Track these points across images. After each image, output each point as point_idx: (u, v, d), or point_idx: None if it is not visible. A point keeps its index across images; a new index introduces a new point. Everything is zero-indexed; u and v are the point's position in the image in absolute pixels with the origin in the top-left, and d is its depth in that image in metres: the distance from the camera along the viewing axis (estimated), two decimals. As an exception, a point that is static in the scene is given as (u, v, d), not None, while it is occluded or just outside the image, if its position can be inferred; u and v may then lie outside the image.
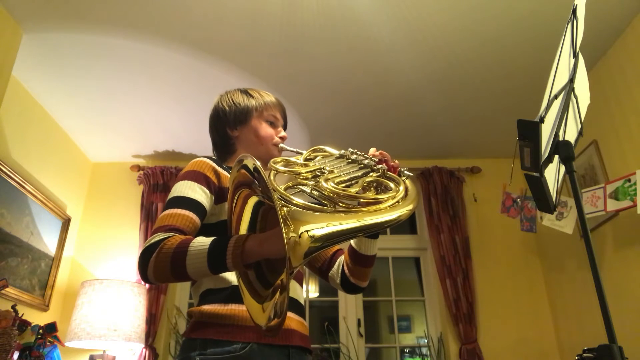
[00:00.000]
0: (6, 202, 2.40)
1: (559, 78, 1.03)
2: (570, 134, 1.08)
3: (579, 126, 1.16)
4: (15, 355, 2.17)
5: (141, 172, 3.26)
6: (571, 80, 1.08)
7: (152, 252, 0.96)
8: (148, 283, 0.99)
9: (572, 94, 1.08)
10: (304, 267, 1.39)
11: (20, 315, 2.25)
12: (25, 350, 2.25)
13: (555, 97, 1.01)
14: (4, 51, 2.15)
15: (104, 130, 3.05)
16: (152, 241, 0.98)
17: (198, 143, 3.19)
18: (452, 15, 2.17)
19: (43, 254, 2.72)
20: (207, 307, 1.07)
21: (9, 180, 2.42)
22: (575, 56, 1.12)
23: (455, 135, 3.17)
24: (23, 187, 2.52)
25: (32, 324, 2.36)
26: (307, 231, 0.80)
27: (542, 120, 0.94)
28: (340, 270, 1.30)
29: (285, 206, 0.84)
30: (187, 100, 2.77)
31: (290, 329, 1.11)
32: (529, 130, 0.94)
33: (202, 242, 0.94)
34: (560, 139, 1.00)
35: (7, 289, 2.26)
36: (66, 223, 2.96)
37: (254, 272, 0.94)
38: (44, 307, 2.70)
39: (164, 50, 2.37)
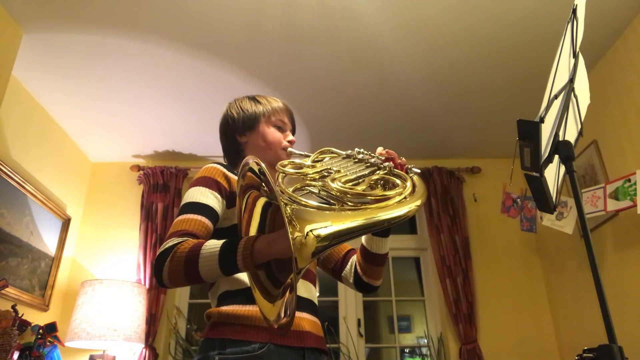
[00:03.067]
0: (6, 202, 2.40)
1: (559, 78, 1.03)
2: (570, 134, 1.08)
3: (579, 126, 1.16)
4: (15, 355, 2.17)
5: (141, 172, 3.26)
6: (571, 80, 1.08)
7: (166, 257, 0.99)
8: (164, 287, 1.02)
9: (572, 94, 1.08)
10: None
11: (20, 315, 2.25)
12: (25, 350, 2.25)
13: (555, 97, 1.01)
14: (4, 51, 2.15)
15: (104, 130, 3.05)
16: (166, 246, 1.01)
17: (198, 143, 3.19)
18: (452, 15, 2.17)
19: (43, 254, 2.72)
20: (225, 308, 1.10)
21: (9, 180, 2.42)
22: (575, 56, 1.12)
23: (455, 135, 3.17)
24: (23, 187, 2.52)
25: (32, 324, 2.35)
26: (312, 230, 0.80)
27: (542, 120, 0.94)
28: (353, 270, 1.32)
29: (290, 205, 0.84)
30: (187, 100, 2.77)
31: (305, 331, 1.12)
32: (529, 130, 0.94)
33: (214, 244, 0.96)
34: (560, 139, 1.00)
35: (7, 289, 2.26)
36: (66, 223, 2.96)
37: (265, 272, 0.96)
38: (44, 307, 2.70)
39: (164, 50, 2.37)
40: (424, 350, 3.18)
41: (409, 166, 1.19)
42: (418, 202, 1.01)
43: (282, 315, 0.87)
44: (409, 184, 1.06)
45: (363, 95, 2.75)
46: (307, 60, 2.46)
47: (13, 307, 2.22)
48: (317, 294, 1.28)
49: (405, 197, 1.00)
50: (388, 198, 0.99)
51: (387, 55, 2.42)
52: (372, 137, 3.15)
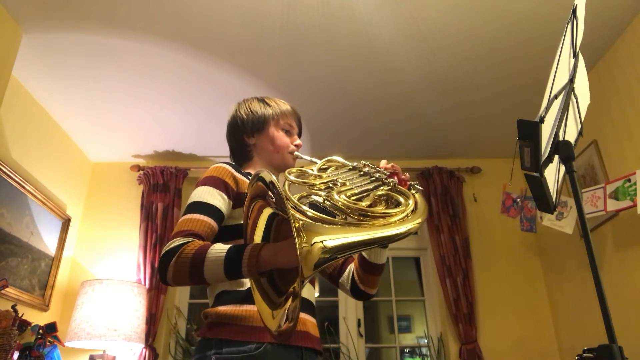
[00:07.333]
0: (6, 202, 2.40)
1: (559, 78, 1.03)
2: (570, 134, 1.08)
3: (579, 126, 1.16)
4: (15, 355, 2.17)
5: (141, 172, 3.26)
6: (571, 80, 1.08)
7: (172, 256, 1.01)
8: (167, 285, 1.05)
9: (572, 94, 1.08)
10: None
11: (20, 315, 2.25)
12: (25, 350, 2.25)
13: (555, 97, 1.01)
14: (4, 51, 2.15)
15: (104, 130, 3.05)
16: (172, 246, 1.03)
17: (198, 143, 3.19)
18: (453, 15, 2.17)
19: (43, 254, 2.72)
20: (222, 308, 1.11)
21: (9, 180, 2.42)
22: (575, 56, 1.12)
23: (455, 135, 3.17)
24: (23, 187, 2.52)
25: (32, 324, 2.36)
26: (318, 242, 0.83)
27: (542, 120, 0.94)
28: (350, 278, 1.35)
29: (299, 220, 0.87)
30: (187, 100, 2.77)
31: (303, 331, 1.15)
32: (529, 130, 0.94)
33: (220, 249, 0.98)
34: (560, 139, 1.00)
35: (7, 289, 2.26)
36: (66, 223, 2.96)
37: (267, 279, 0.98)
38: (44, 307, 2.70)
39: (164, 50, 2.37)
40: (424, 350, 3.18)
41: (412, 182, 1.22)
42: (419, 220, 1.04)
43: (284, 322, 0.89)
44: (411, 202, 1.09)
45: (363, 96, 2.75)
46: (307, 60, 2.46)
47: (13, 307, 2.23)
48: (317, 294, 1.30)
49: (407, 215, 1.03)
50: (390, 215, 1.02)
51: (387, 55, 2.42)
52: (372, 137, 3.14)
